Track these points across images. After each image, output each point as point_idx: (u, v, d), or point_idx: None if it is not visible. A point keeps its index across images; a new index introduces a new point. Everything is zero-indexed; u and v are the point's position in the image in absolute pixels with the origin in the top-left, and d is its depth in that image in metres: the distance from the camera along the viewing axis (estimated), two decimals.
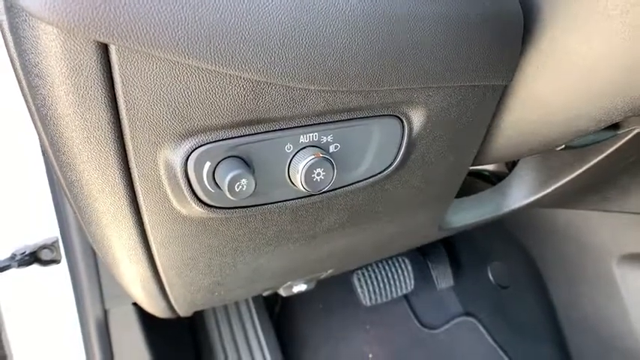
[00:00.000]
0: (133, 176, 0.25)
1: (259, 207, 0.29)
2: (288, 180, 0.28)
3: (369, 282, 0.86)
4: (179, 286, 0.37)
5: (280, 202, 0.29)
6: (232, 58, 0.22)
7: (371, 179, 0.32)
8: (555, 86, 0.32)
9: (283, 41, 0.23)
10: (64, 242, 0.48)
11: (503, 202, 0.57)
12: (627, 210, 0.66)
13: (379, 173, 0.32)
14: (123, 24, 0.19)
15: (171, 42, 0.20)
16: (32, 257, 0.46)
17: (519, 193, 0.57)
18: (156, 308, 0.41)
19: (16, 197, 0.45)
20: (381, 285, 0.86)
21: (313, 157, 0.27)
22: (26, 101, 0.25)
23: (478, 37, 0.28)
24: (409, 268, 0.90)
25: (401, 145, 0.31)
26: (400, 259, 0.91)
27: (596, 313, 0.77)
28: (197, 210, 0.27)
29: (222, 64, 0.22)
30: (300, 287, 0.52)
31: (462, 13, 0.27)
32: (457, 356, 1.00)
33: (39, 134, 0.27)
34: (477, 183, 0.67)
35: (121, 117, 0.23)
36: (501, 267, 0.96)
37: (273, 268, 0.40)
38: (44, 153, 0.46)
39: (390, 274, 0.87)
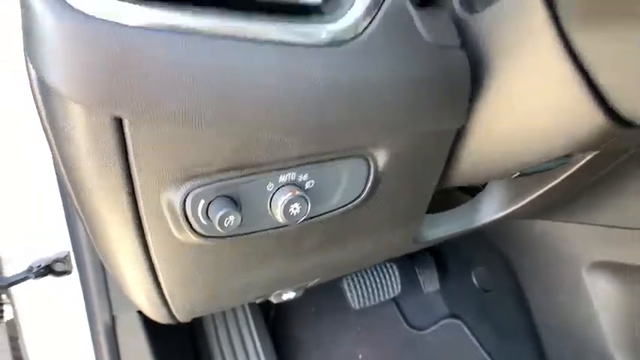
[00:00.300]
0: (140, 212, 0.31)
1: (246, 235, 0.34)
2: (270, 213, 0.33)
3: (357, 287, 0.91)
4: (179, 297, 0.42)
5: (264, 230, 0.34)
6: (222, 125, 0.27)
7: (342, 209, 0.37)
8: (503, 129, 0.38)
9: (269, 110, 0.28)
10: (75, 256, 0.53)
11: (475, 217, 0.62)
12: (592, 222, 0.71)
13: (349, 204, 0.37)
14: (133, 103, 0.24)
15: (174, 116, 0.26)
16: (47, 269, 0.52)
17: (490, 209, 0.62)
18: (158, 315, 0.46)
19: (33, 218, 0.50)
20: (370, 289, 0.92)
21: (290, 194, 0.32)
22: (51, 148, 0.31)
23: (430, 93, 0.33)
24: (396, 273, 0.95)
25: (367, 180, 0.37)
26: (388, 265, 0.96)
27: (569, 318, 0.83)
28: (193, 238, 0.32)
29: (214, 129, 0.27)
30: (289, 295, 0.57)
31: (416, 75, 0.33)
32: (443, 356, 1.05)
33: (59, 174, 0.32)
34: (457, 194, 0.72)
35: (131, 169, 0.28)
36: (484, 272, 1.02)
37: (263, 281, 0.45)
38: (60, 185, 0.51)
39: (378, 279, 0.93)
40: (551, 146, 0.38)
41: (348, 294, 0.91)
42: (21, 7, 0.25)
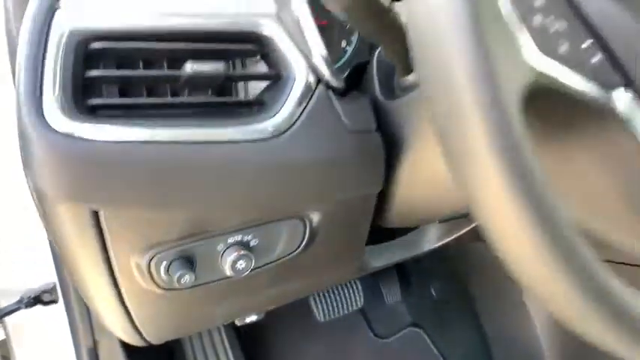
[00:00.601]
0: (114, 271, 0.38)
1: (202, 285, 0.42)
2: (220, 267, 0.41)
3: (323, 301, 1.00)
4: (149, 328, 0.49)
5: (216, 281, 0.42)
6: (178, 210, 0.35)
7: (283, 259, 0.45)
8: (417, 191, 0.46)
9: (219, 197, 0.36)
10: (60, 287, 0.60)
11: (417, 246, 0.70)
12: None
13: (289, 254, 0.45)
14: (105, 201, 0.32)
15: (137, 206, 0.33)
16: (36, 300, 0.59)
17: (429, 239, 0.70)
18: (132, 340, 0.53)
19: (24, 257, 0.57)
20: (334, 303, 1.00)
21: (236, 253, 0.40)
22: (44, 223, 0.38)
23: (350, 168, 0.42)
24: (359, 288, 1.03)
25: (304, 235, 0.45)
26: (352, 281, 1.04)
27: (514, 331, 0.92)
28: (157, 290, 0.40)
29: (171, 213, 0.35)
30: (251, 318, 0.65)
31: (338, 155, 0.41)
32: None
33: (47, 231, 0.40)
34: None
35: (106, 242, 0.35)
36: (442, 286, 1.11)
37: (223, 313, 0.53)
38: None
39: (342, 294, 1.01)
40: (454, 205, 0.46)
41: (314, 308, 0.99)
42: (17, 128, 0.32)
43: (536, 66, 0.23)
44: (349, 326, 1.17)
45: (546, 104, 0.25)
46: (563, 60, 0.24)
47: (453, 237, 0.69)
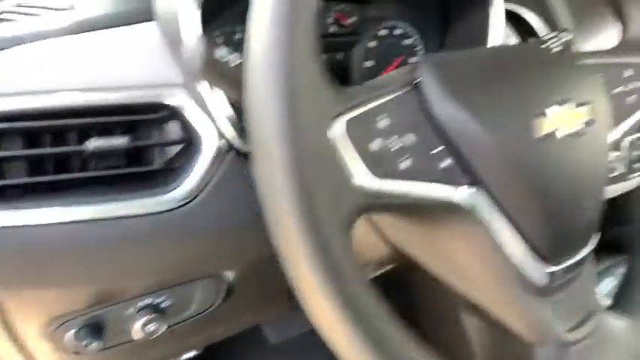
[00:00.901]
0: (24, 343, 0.39)
1: (114, 347, 0.43)
2: (132, 330, 0.42)
3: (274, 324, 1.02)
4: None
5: (128, 342, 0.43)
6: (76, 285, 0.36)
7: (199, 316, 0.46)
8: None
9: (124, 270, 0.37)
10: None
11: None
12: None
13: (205, 311, 0.46)
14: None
15: (33, 286, 0.34)
16: None
17: None
18: None
19: None
20: (286, 325, 1.02)
21: (147, 317, 0.41)
22: None
23: (260, 231, 0.43)
24: None
25: (219, 291, 0.46)
26: None
27: (453, 347, 0.96)
28: (68, 355, 0.41)
29: (72, 287, 0.36)
30: (188, 355, 0.66)
31: (249, 220, 0.42)
32: None
33: None
34: None
35: (9, 318, 0.36)
36: (390, 304, 1.15)
37: (151, 357, 0.54)
38: None
39: (294, 316, 1.03)
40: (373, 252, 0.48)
41: (266, 332, 1.01)
42: None
43: (371, 188, 0.25)
44: (307, 343, 1.19)
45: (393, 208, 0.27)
46: (404, 175, 0.26)
47: (382, 271, 0.71)
